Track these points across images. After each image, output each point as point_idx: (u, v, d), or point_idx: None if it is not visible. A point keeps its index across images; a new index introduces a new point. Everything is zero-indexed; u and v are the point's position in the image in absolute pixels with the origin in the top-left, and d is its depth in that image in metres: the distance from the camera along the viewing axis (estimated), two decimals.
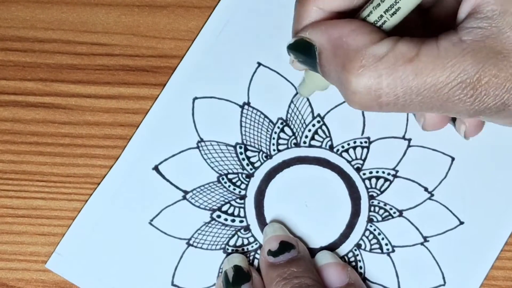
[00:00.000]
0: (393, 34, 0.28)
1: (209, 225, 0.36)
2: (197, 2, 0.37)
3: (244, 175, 0.36)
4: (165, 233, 0.36)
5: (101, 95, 0.37)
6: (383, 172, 0.36)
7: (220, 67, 0.36)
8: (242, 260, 0.35)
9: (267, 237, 0.35)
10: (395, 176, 0.36)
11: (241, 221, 0.36)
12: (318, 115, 0.36)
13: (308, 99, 0.36)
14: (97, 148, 0.36)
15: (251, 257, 0.36)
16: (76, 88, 0.37)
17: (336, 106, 0.36)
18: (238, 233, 0.36)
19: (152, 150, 0.36)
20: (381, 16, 0.28)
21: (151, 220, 0.36)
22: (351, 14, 0.30)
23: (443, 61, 0.26)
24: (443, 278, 0.35)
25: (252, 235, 0.36)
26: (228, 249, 0.36)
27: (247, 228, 0.36)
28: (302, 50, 0.30)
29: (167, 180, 0.36)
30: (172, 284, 0.35)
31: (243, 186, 0.36)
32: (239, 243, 0.36)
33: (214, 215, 0.36)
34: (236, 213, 0.36)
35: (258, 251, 0.36)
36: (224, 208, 0.36)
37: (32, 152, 0.36)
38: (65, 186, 0.36)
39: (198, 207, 0.36)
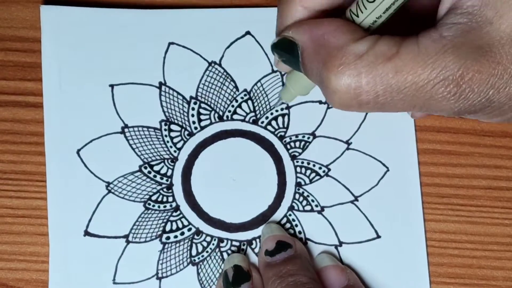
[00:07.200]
0: (376, 32, 0.27)
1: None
2: None
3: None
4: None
5: None
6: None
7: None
8: (242, 260, 0.35)
9: (265, 238, 0.35)
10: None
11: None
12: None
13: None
14: None
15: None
16: None
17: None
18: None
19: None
20: (366, 14, 0.28)
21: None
22: (335, 13, 0.30)
23: (423, 58, 0.25)
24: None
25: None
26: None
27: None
28: (286, 49, 0.29)
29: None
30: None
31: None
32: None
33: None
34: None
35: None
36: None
37: (32, 152, 0.36)
38: None
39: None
